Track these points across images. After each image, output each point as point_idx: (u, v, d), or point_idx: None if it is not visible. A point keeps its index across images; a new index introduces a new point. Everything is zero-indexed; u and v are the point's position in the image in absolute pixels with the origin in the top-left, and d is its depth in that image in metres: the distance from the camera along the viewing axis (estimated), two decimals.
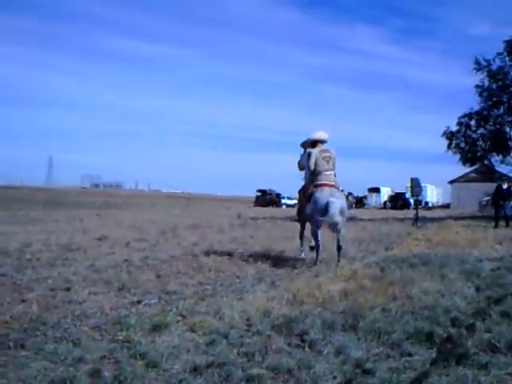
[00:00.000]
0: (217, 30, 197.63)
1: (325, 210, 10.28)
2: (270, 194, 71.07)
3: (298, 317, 5.84)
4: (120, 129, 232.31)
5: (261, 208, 57.09)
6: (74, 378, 4.05)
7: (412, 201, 48.83)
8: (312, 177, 11.04)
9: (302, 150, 11.70)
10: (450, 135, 34.40)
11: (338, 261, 10.40)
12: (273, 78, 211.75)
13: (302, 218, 11.57)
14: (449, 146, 34.46)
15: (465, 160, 34.44)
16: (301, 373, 4.30)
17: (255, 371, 4.28)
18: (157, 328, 5.46)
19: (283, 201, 70.97)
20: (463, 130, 34.24)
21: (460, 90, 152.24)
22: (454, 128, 34.41)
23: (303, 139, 11.71)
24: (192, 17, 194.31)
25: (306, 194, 11.10)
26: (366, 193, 76.87)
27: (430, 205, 69.85)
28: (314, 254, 10.83)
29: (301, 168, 11.80)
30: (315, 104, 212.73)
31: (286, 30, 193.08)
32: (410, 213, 34.85)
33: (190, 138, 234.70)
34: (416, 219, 24.59)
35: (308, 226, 11.43)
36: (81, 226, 20.20)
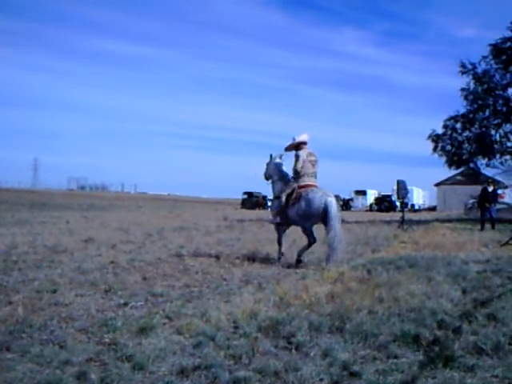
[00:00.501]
0: (204, 31, 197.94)
1: (324, 208, 10.84)
2: (257, 197, 70.98)
3: (284, 319, 5.85)
4: (106, 131, 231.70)
5: (247, 210, 57.07)
6: (61, 381, 4.04)
7: (398, 203, 49.02)
8: (297, 179, 11.32)
9: (269, 157, 12.28)
10: (435, 138, 34.52)
11: (329, 261, 10.62)
12: (260, 80, 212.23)
13: (285, 221, 11.66)
14: (434, 149, 34.57)
15: (451, 163, 34.55)
16: (288, 375, 4.30)
17: (242, 373, 4.29)
18: (143, 330, 5.45)
19: (270, 203, 70.97)
20: (449, 132, 34.36)
21: (445, 92, 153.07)
22: (440, 131, 34.56)
23: (288, 142, 11.91)
24: (180, 18, 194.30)
25: (292, 197, 11.24)
26: (353, 195, 77.04)
27: (416, 207, 70.19)
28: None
29: (267, 177, 12.27)
30: (301, 106, 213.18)
31: (273, 33, 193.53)
32: (397, 215, 35.03)
33: (177, 140, 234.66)
34: (402, 222, 24.67)
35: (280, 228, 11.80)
36: (67, 228, 20.09)
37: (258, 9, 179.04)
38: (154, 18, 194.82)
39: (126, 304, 6.84)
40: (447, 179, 62.07)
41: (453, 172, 41.32)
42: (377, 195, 72.74)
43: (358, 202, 76.17)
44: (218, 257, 11.63)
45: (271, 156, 12.35)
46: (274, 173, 12.11)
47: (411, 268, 9.64)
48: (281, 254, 11.69)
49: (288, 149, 11.92)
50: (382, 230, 21.81)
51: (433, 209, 68.71)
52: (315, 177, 11.50)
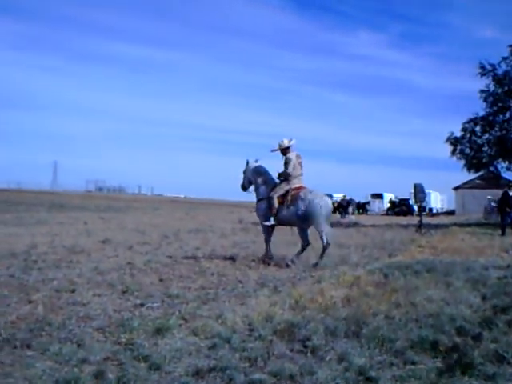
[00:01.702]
0: (218, 34, 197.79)
1: (324, 207, 11.44)
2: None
3: (300, 322, 5.85)
4: (124, 134, 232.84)
5: None
6: (79, 379, 4.08)
7: (416, 207, 48.72)
8: (288, 181, 11.67)
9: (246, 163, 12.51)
10: (454, 141, 34.08)
11: (321, 258, 11.17)
12: (274, 83, 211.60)
13: (278, 222, 11.84)
14: (453, 152, 34.12)
15: (470, 166, 34.08)
16: (303, 379, 4.30)
17: (257, 376, 4.29)
18: (159, 331, 5.48)
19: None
20: (468, 135, 33.88)
21: (463, 95, 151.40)
22: (459, 134, 34.13)
23: (275, 146, 12.16)
24: (194, 22, 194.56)
25: (287, 198, 11.53)
26: (369, 199, 76.62)
27: (434, 211, 69.61)
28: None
29: (245, 186, 12.55)
30: (316, 110, 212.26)
31: (287, 36, 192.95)
32: (414, 219, 34.80)
33: (193, 143, 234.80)
34: (420, 226, 24.52)
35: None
36: (85, 229, 20.24)
37: (273, 12, 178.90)
38: (168, 21, 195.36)
39: (142, 305, 6.87)
40: (466, 183, 61.47)
41: (472, 176, 40.86)
42: (394, 199, 72.28)
43: (375, 205, 75.71)
44: (233, 259, 11.64)
45: (247, 162, 12.50)
46: (256, 177, 12.25)
47: (429, 273, 9.56)
48: (270, 253, 11.89)
49: (274, 151, 12.16)
50: (399, 234, 21.68)
51: (451, 213, 68.05)
52: (301, 178, 11.90)
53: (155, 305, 6.90)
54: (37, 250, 12.37)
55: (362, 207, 68.85)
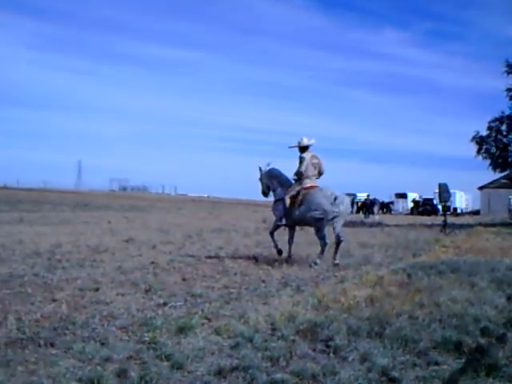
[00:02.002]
0: (244, 34, 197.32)
1: (336, 203, 11.26)
2: None
3: (323, 322, 5.83)
4: (148, 133, 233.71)
5: None
6: (102, 377, 4.11)
7: (440, 207, 48.26)
8: (300, 181, 11.66)
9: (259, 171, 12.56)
10: (479, 140, 33.70)
11: (336, 254, 11.29)
12: (300, 83, 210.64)
13: (291, 222, 11.89)
14: (478, 151, 33.75)
15: (495, 165, 33.68)
16: (325, 379, 4.29)
17: (279, 376, 4.29)
18: (182, 330, 5.51)
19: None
20: (493, 134, 33.47)
21: (489, 94, 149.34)
22: (484, 133, 33.75)
23: (293, 143, 12.16)
24: (220, 22, 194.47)
25: (298, 198, 11.52)
26: (393, 198, 76.13)
27: (458, 211, 68.92)
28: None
29: (265, 191, 12.61)
30: (341, 109, 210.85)
31: (313, 35, 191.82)
32: (438, 219, 34.53)
33: (217, 143, 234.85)
34: (444, 225, 24.29)
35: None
36: (109, 228, 20.38)
37: (298, 11, 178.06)
38: (195, 22, 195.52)
39: (165, 304, 6.91)
40: (491, 182, 60.78)
41: (497, 175, 40.39)
42: (418, 198, 71.72)
43: (399, 205, 75.20)
44: (256, 259, 11.66)
45: (260, 169, 12.52)
46: (271, 180, 12.30)
47: (453, 273, 9.48)
48: (277, 247, 12.04)
49: (292, 147, 12.16)
50: (423, 234, 21.51)
51: (476, 213, 67.34)
52: (316, 179, 11.85)
53: (178, 304, 6.93)
54: (61, 249, 12.50)
55: (385, 207, 68.42)
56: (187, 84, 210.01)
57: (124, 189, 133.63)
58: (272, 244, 12.22)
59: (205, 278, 9.14)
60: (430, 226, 27.79)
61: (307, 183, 11.60)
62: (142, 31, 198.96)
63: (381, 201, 61.27)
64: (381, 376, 4.39)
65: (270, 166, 12.55)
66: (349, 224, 29.75)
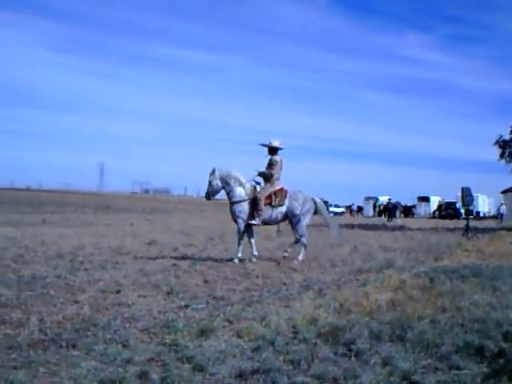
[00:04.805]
0: (267, 38, 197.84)
1: (312, 205, 12.41)
2: None
3: (344, 326, 5.80)
4: (170, 136, 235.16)
5: None
6: (123, 379, 4.12)
7: (463, 210, 47.81)
8: (271, 182, 12.11)
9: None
10: (502, 144, 33.38)
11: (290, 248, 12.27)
12: (321, 86, 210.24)
13: (264, 222, 12.27)
14: (501, 155, 33.46)
15: None
16: (347, 382, 4.28)
17: (300, 379, 4.28)
18: (204, 332, 5.51)
19: (330, 209, 70.59)
20: None
21: None
22: (507, 136, 33.42)
23: (265, 141, 12.45)
24: (243, 25, 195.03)
25: (274, 198, 12.03)
26: (416, 202, 75.68)
27: (481, 215, 68.32)
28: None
29: (214, 191, 12.43)
30: (363, 112, 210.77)
31: (335, 39, 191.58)
32: (461, 223, 34.21)
33: (239, 145, 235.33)
34: (467, 229, 24.06)
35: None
36: (131, 231, 20.53)
37: (321, 15, 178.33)
38: (218, 25, 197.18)
39: (187, 306, 6.93)
40: None
41: None
42: (440, 202, 71.17)
43: (421, 208, 74.74)
44: (278, 261, 11.65)
45: (214, 170, 12.31)
46: (230, 180, 12.21)
47: (475, 277, 9.40)
48: (240, 254, 11.99)
49: (263, 146, 12.43)
50: (446, 238, 21.35)
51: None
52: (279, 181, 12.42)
53: (200, 306, 6.94)
54: (83, 250, 12.62)
55: (408, 210, 67.99)
56: (210, 86, 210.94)
57: (146, 191, 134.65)
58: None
59: (226, 281, 9.16)
60: (453, 230, 27.57)
61: (278, 185, 12.16)
62: (164, 34, 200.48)
63: (403, 204, 60.94)
64: (402, 380, 4.36)
65: (226, 169, 12.45)
66: (371, 227, 29.73)
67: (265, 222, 12.29)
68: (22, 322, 5.83)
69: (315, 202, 12.56)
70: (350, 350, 5.11)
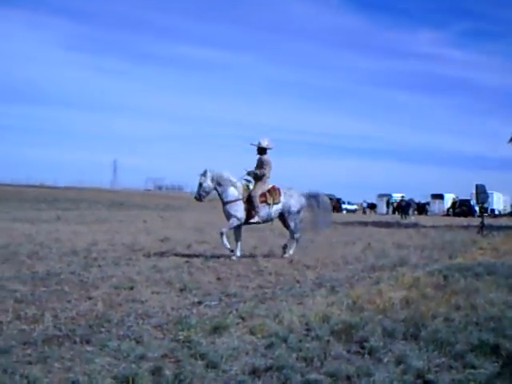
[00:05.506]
0: (278, 35, 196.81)
1: (305, 201, 12.77)
2: (331, 199, 70.44)
3: (357, 323, 5.78)
4: (183, 133, 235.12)
5: None
6: (136, 375, 4.13)
7: (477, 208, 47.50)
8: (263, 182, 12.30)
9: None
10: None
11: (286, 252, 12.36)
12: (333, 84, 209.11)
13: (259, 219, 12.32)
14: None
15: None
16: (360, 380, 4.26)
17: (313, 376, 4.27)
18: (217, 329, 5.52)
19: (344, 206, 70.40)
20: None
21: None
22: None
23: (254, 142, 12.66)
24: (254, 23, 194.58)
25: (270, 197, 12.22)
26: (429, 199, 75.27)
27: (496, 212, 67.82)
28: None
29: (205, 192, 12.53)
30: (376, 109, 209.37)
31: (347, 36, 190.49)
32: (475, 220, 33.96)
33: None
34: (481, 227, 23.86)
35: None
36: (144, 227, 20.61)
37: (333, 12, 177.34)
38: (229, 23, 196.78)
39: (200, 303, 6.94)
40: None
41: None
42: (455, 199, 70.75)
43: (435, 206, 74.27)
44: (291, 259, 11.64)
45: (206, 171, 12.33)
46: (222, 182, 12.26)
47: (490, 275, 9.33)
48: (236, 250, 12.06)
49: (252, 145, 12.65)
50: (460, 236, 21.20)
51: None
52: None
53: (213, 303, 6.95)
54: (97, 247, 12.68)
55: (421, 208, 67.65)
56: (223, 84, 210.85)
57: (159, 188, 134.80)
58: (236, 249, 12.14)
59: (239, 278, 9.16)
60: (467, 228, 27.38)
61: (270, 184, 12.39)
62: (175, 32, 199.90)
63: (417, 202, 60.68)
64: (416, 378, 4.34)
65: (218, 170, 12.48)
66: (384, 225, 29.59)
67: (263, 220, 12.45)
68: (37, 318, 5.88)
69: (308, 198, 12.94)
70: (363, 348, 5.10)
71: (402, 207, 49.15)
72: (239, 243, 12.20)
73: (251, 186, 12.29)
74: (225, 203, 12.25)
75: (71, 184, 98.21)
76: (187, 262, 10.73)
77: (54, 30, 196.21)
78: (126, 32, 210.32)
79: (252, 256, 12.11)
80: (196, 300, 7.12)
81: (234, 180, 12.28)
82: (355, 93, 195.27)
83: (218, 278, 9.00)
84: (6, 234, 15.05)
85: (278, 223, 13.18)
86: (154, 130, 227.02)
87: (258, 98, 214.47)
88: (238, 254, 11.93)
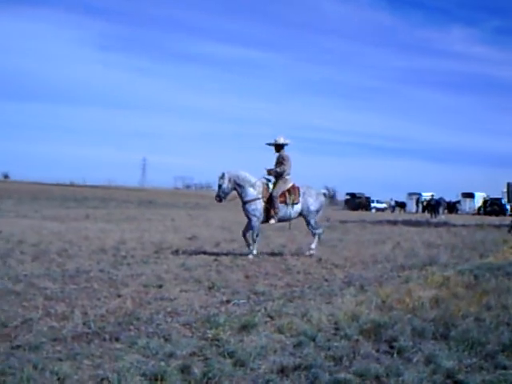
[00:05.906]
0: (308, 33, 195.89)
1: (323, 199, 13.01)
2: (360, 198, 70.13)
3: (386, 323, 5.75)
4: (211, 132, 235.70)
5: (350, 211, 56.51)
6: (165, 373, 4.15)
7: (508, 207, 46.86)
8: (284, 179, 12.30)
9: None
10: None
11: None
12: (363, 82, 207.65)
13: (279, 217, 12.29)
14: None
15: None
16: (389, 380, 4.23)
17: (342, 376, 4.25)
18: (245, 328, 5.52)
19: (373, 204, 69.97)
20: None
21: None
22: None
23: (271, 140, 12.69)
24: (283, 21, 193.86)
25: (289, 195, 12.21)
26: (460, 198, 74.41)
27: None
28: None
29: (225, 193, 12.51)
30: (407, 108, 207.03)
31: (378, 33, 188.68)
32: (506, 219, 33.49)
33: None
34: None
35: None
36: (172, 226, 20.70)
37: (364, 10, 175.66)
38: (258, 21, 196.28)
39: (228, 301, 6.95)
40: None
41: None
42: (485, 198, 69.81)
43: (466, 205, 73.34)
44: (319, 257, 11.61)
45: (223, 174, 12.32)
46: (242, 182, 12.26)
47: None
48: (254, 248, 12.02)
49: (269, 145, 12.70)
50: (491, 235, 20.91)
51: None
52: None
53: (241, 301, 6.96)
54: (126, 245, 12.77)
55: (452, 206, 66.90)
56: (252, 83, 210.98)
57: (188, 187, 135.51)
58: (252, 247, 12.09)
59: (267, 276, 9.16)
60: (498, 227, 27.00)
61: (290, 182, 12.37)
62: (205, 30, 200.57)
63: (447, 200, 59.96)
64: (446, 379, 4.30)
65: (236, 171, 12.50)
66: (414, 224, 29.33)
67: (279, 220, 12.44)
68: (67, 315, 5.94)
69: (325, 196, 13.21)
70: (392, 348, 5.07)
71: (432, 206, 48.64)
72: (256, 242, 12.17)
73: (271, 185, 12.31)
74: (244, 203, 12.30)
75: (100, 183, 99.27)
76: (215, 260, 10.77)
77: (89, 30, 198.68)
78: (156, 31, 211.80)
79: (280, 254, 12.09)
80: (224, 298, 7.13)
81: (253, 180, 12.28)
82: (386, 91, 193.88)
83: (247, 277, 9.01)
84: (36, 232, 15.23)
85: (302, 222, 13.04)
86: (183, 129, 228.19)
87: (287, 97, 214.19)
88: (255, 252, 11.90)
